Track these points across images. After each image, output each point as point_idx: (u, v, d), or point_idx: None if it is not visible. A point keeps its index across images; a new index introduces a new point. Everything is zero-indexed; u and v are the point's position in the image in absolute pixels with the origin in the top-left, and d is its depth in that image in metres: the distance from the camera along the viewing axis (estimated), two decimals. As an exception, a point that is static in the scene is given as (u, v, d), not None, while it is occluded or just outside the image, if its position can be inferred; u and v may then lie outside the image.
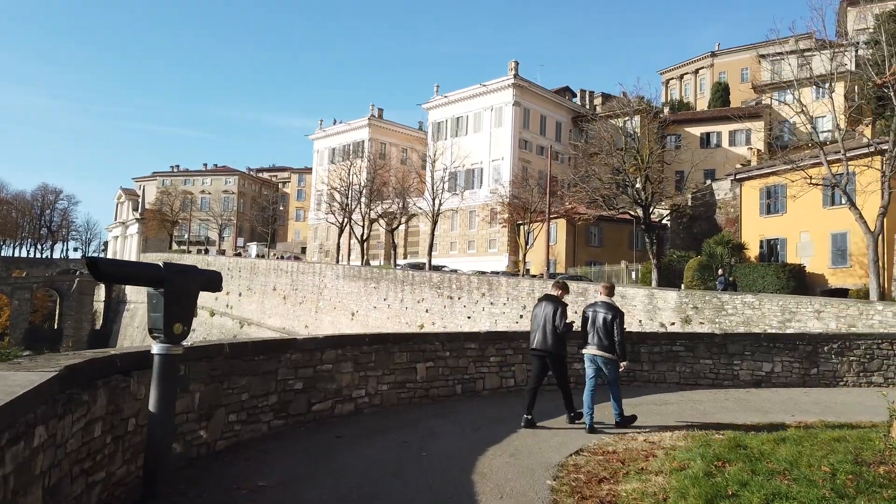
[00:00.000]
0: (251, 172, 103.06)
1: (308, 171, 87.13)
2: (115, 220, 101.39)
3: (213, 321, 54.98)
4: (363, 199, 53.20)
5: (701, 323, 21.28)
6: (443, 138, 59.46)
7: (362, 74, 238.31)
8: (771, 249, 31.25)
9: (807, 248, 29.50)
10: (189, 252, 77.55)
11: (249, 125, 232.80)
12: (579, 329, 7.89)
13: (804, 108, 23.87)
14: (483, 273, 35.78)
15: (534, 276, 36.86)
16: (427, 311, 33.42)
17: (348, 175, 54.28)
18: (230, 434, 5.91)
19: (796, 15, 61.08)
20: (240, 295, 53.44)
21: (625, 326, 7.71)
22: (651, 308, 22.90)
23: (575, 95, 67.49)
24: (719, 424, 7.71)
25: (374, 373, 7.95)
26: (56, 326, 79.66)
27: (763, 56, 53.77)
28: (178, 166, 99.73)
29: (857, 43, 34.68)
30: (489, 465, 5.75)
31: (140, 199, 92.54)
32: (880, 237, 22.44)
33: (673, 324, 22.14)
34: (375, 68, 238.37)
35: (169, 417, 3.72)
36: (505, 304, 29.14)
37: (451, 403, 8.64)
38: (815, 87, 26.77)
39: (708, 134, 52.85)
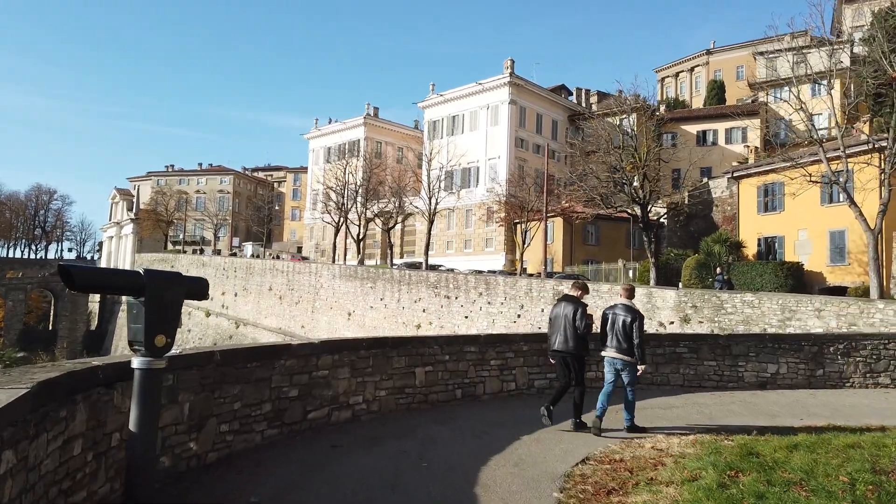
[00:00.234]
0: (246, 172, 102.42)
1: (304, 170, 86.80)
2: (110, 220, 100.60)
3: (208, 322, 54.69)
4: (359, 199, 52.94)
5: (700, 322, 21.09)
6: (439, 137, 59.13)
7: (359, 74, 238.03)
8: (769, 247, 31.14)
9: (805, 245, 29.38)
10: (184, 252, 77.10)
11: (245, 125, 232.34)
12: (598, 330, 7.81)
13: (803, 105, 23.69)
14: (480, 272, 35.54)
15: (531, 275, 36.64)
16: (424, 310, 33.18)
17: (344, 174, 53.96)
18: (222, 445, 5.65)
19: (793, 12, 60.91)
20: (235, 295, 53.11)
21: (644, 329, 7.56)
22: (650, 307, 22.69)
23: (571, 94, 67.34)
24: (727, 428, 7.50)
25: (371, 378, 7.70)
26: (51, 327, 79.27)
27: (760, 53, 53.69)
28: (172, 166, 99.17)
29: (853, 41, 34.58)
30: (492, 475, 5.53)
31: (135, 199, 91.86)
32: (879, 235, 22.29)
33: (672, 323, 21.95)
34: (372, 68, 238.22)
35: (151, 434, 3.48)
36: (502, 303, 28.92)
37: (450, 409, 8.42)
38: (813, 83, 26.50)
39: (704, 132, 52.70)
